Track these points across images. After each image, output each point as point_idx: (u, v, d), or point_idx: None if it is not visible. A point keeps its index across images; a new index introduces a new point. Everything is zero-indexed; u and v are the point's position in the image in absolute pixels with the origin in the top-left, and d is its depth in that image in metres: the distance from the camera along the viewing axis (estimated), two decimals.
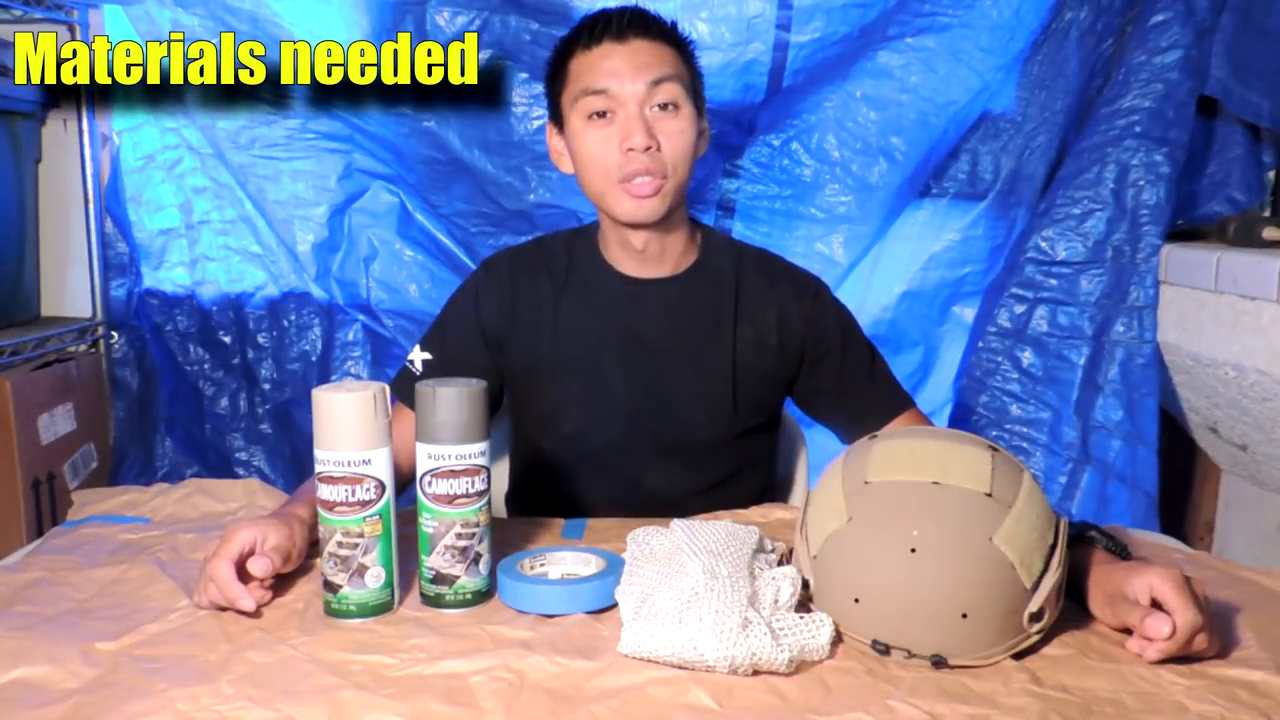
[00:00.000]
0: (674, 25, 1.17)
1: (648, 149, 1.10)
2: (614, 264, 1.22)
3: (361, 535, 0.85)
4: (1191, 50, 1.77)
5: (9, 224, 1.90)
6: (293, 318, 2.06)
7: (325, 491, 0.85)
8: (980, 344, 1.95)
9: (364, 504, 0.85)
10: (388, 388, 0.87)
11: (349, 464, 0.84)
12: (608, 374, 1.21)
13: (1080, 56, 1.89)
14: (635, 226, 1.16)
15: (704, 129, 1.19)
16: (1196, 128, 1.83)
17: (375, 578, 0.86)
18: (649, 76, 1.10)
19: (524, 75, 1.90)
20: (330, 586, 0.86)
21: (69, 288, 2.07)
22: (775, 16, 1.85)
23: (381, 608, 0.87)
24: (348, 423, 0.84)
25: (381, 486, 0.86)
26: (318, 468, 0.86)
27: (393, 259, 2.05)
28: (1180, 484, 2.02)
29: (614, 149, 1.11)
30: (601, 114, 1.12)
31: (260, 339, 2.07)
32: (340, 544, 0.85)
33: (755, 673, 0.76)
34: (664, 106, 1.11)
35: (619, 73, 1.11)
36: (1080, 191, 1.86)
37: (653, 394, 1.21)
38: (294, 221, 2.00)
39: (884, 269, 2.03)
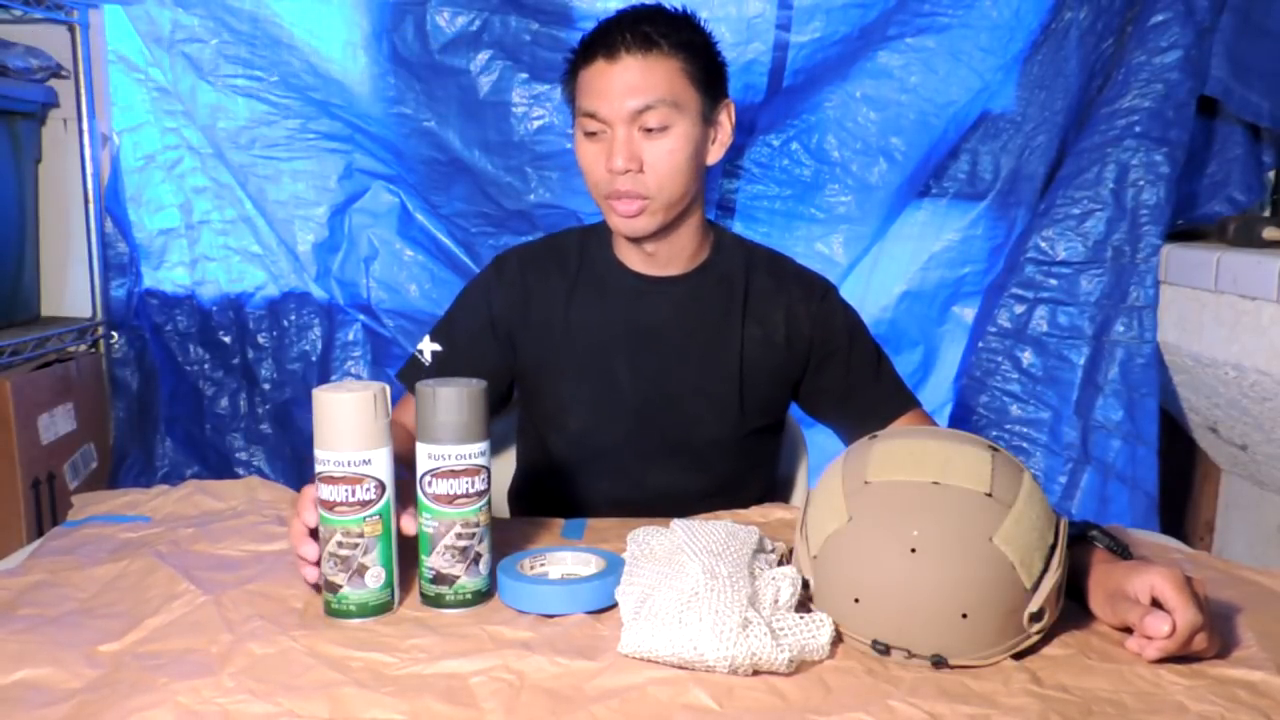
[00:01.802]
0: (684, 23, 1.14)
1: (628, 171, 1.11)
2: (625, 262, 1.23)
3: (361, 535, 0.85)
4: (1191, 50, 1.77)
5: (9, 224, 1.90)
6: (293, 318, 2.06)
7: (325, 492, 0.85)
8: (980, 344, 1.95)
9: (364, 504, 0.85)
10: (387, 388, 0.87)
11: (349, 464, 0.84)
12: (616, 371, 1.21)
13: (1080, 56, 1.89)
14: (630, 240, 1.18)
15: (716, 136, 1.17)
16: (1196, 128, 1.83)
17: (375, 578, 0.86)
18: (635, 102, 1.10)
19: (524, 75, 1.90)
20: (330, 586, 0.86)
21: (69, 288, 2.07)
22: (775, 16, 1.85)
23: (381, 608, 0.87)
24: (348, 423, 0.84)
25: (381, 486, 0.86)
26: (318, 468, 0.85)
27: (393, 259, 2.05)
28: (1180, 484, 2.02)
29: (601, 166, 1.13)
30: (594, 132, 1.13)
31: (260, 339, 2.07)
32: (340, 544, 0.85)
33: (755, 673, 0.76)
34: (651, 129, 1.11)
35: (606, 95, 1.11)
36: (1080, 191, 1.86)
37: (660, 391, 1.21)
38: (294, 221, 2.00)
39: (884, 269, 2.03)
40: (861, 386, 1.25)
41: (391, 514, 0.88)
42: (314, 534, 0.88)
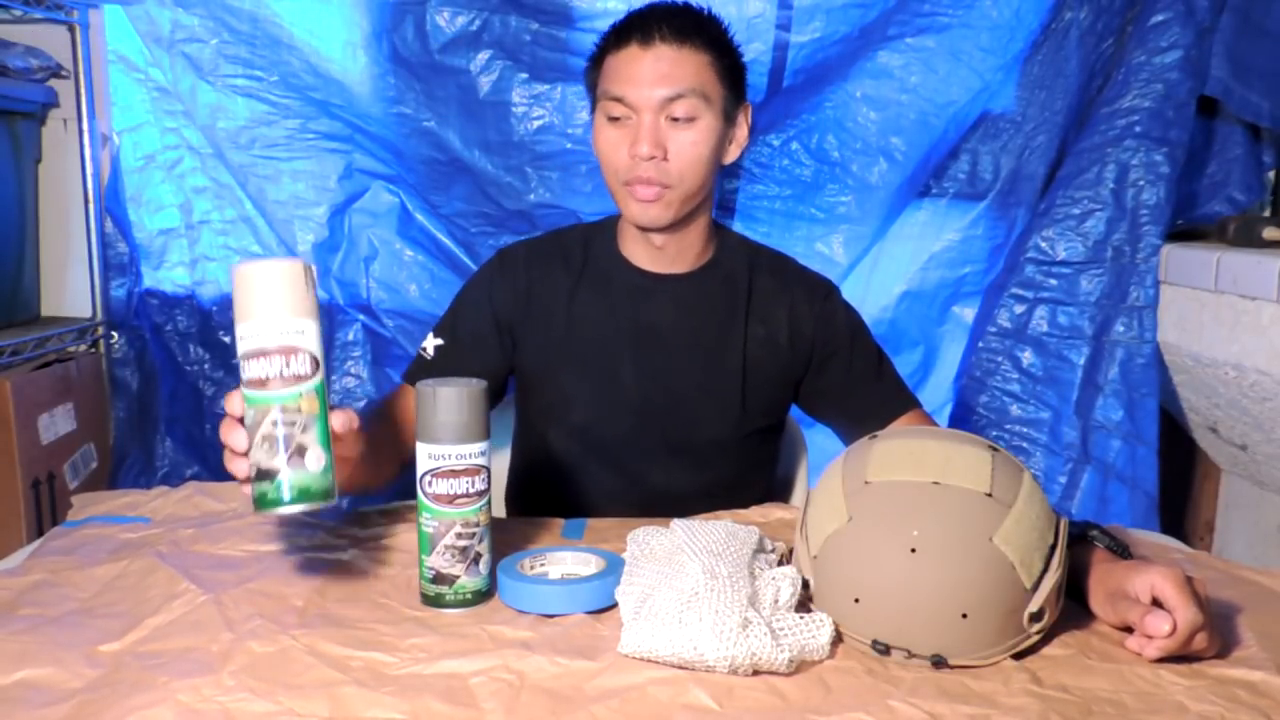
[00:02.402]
0: (712, 21, 1.15)
1: (652, 158, 1.11)
2: (630, 258, 1.23)
3: (299, 411, 0.79)
4: (1191, 50, 1.77)
5: (9, 224, 1.90)
6: None
7: (255, 368, 0.78)
8: (980, 344, 1.95)
9: (299, 378, 0.80)
10: (313, 265, 0.83)
11: (282, 334, 0.79)
12: (619, 367, 1.21)
13: (1080, 56, 1.89)
14: (644, 229, 1.17)
15: (734, 135, 1.18)
16: (1196, 128, 1.83)
17: (316, 460, 0.80)
18: (666, 90, 1.10)
19: (524, 75, 1.90)
20: (266, 475, 0.79)
21: (69, 288, 2.07)
22: (775, 16, 1.85)
23: (325, 493, 0.80)
24: (281, 291, 0.79)
25: (316, 362, 0.81)
26: (243, 346, 0.79)
27: (393, 259, 2.05)
28: (1180, 484, 2.02)
29: (624, 152, 1.13)
30: (618, 117, 1.13)
31: None
32: (276, 422, 0.79)
33: (755, 673, 0.76)
34: (678, 118, 1.11)
35: (636, 80, 1.11)
36: (1080, 191, 1.86)
37: (662, 388, 1.21)
38: (294, 221, 2.00)
39: (884, 269, 2.03)
40: (862, 387, 1.25)
41: (326, 395, 0.82)
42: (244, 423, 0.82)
